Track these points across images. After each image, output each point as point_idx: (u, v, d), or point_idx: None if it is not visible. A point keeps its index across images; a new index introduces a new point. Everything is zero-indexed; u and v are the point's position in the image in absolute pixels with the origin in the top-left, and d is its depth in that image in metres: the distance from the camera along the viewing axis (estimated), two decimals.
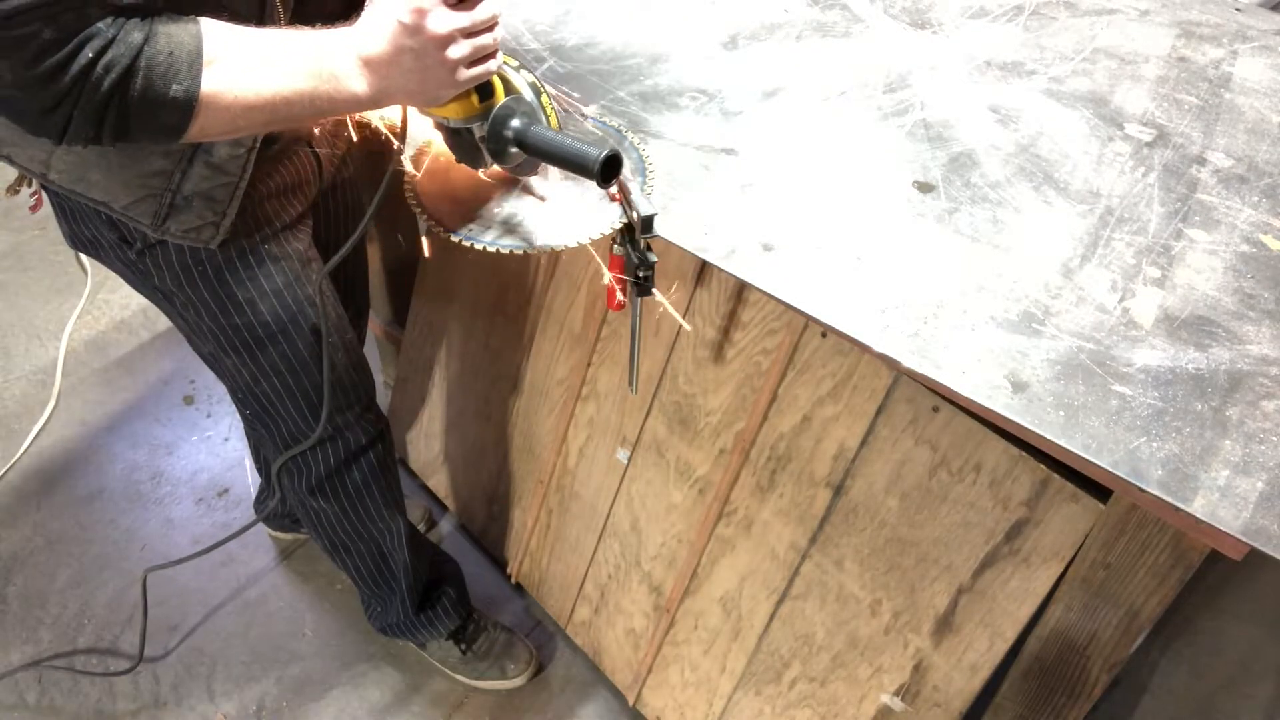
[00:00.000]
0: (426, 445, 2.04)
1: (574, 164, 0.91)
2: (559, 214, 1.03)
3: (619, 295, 1.03)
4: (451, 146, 1.01)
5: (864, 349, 0.91)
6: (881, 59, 1.32)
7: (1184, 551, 0.90)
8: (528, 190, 1.06)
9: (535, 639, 1.83)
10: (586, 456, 1.63)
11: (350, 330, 1.36)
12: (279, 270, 1.19)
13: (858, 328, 0.91)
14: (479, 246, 1.00)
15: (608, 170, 0.90)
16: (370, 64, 0.87)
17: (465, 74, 0.89)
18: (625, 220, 1.00)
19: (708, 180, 1.09)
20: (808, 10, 1.43)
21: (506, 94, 0.96)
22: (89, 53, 0.75)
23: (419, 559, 1.63)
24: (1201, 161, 1.16)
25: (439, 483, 2.04)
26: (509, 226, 1.02)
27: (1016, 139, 1.18)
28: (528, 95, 0.96)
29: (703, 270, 1.32)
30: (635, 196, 0.99)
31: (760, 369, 1.29)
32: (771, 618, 1.39)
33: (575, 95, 1.21)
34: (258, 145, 1.05)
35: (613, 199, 1.02)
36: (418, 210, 1.04)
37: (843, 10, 1.43)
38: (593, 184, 0.93)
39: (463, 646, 1.75)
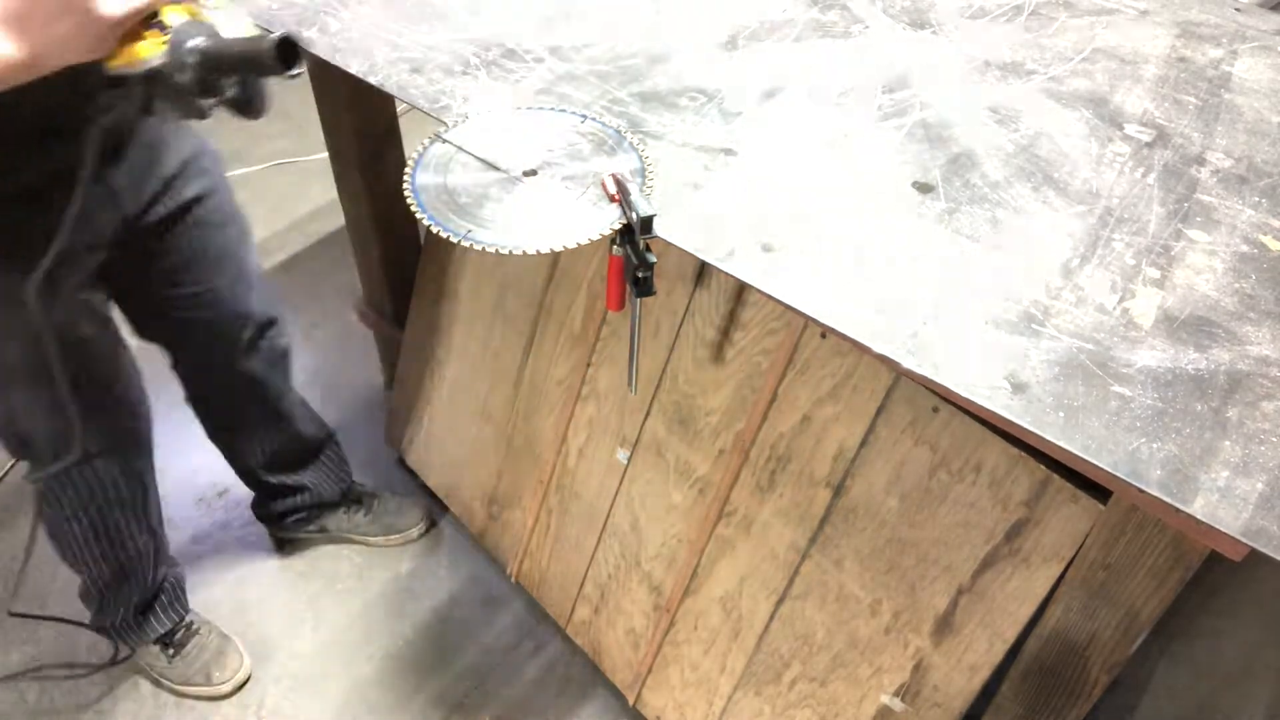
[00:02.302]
0: (426, 445, 2.04)
1: (252, 57, 0.87)
2: (559, 214, 1.03)
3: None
4: (160, 100, 0.94)
5: (864, 349, 0.91)
6: (881, 59, 1.32)
7: (1184, 552, 0.90)
8: None
9: (536, 639, 1.84)
10: (586, 456, 1.63)
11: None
12: None
13: (858, 328, 0.91)
14: (478, 247, 0.99)
15: (285, 52, 0.85)
16: (9, 23, 0.79)
17: (114, 8, 0.83)
18: (625, 220, 1.00)
19: (708, 180, 1.09)
20: (808, 10, 1.43)
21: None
22: None
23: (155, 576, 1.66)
24: (1201, 162, 1.16)
25: (439, 483, 2.04)
26: (507, 226, 1.02)
27: (1016, 139, 1.17)
28: (203, 18, 0.92)
29: (703, 270, 1.32)
30: (635, 196, 0.99)
31: (760, 369, 1.29)
32: (771, 618, 1.39)
33: (570, 109, 1.21)
34: None
35: (612, 199, 1.02)
36: (417, 211, 1.04)
37: (843, 10, 1.43)
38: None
39: (170, 652, 1.76)
